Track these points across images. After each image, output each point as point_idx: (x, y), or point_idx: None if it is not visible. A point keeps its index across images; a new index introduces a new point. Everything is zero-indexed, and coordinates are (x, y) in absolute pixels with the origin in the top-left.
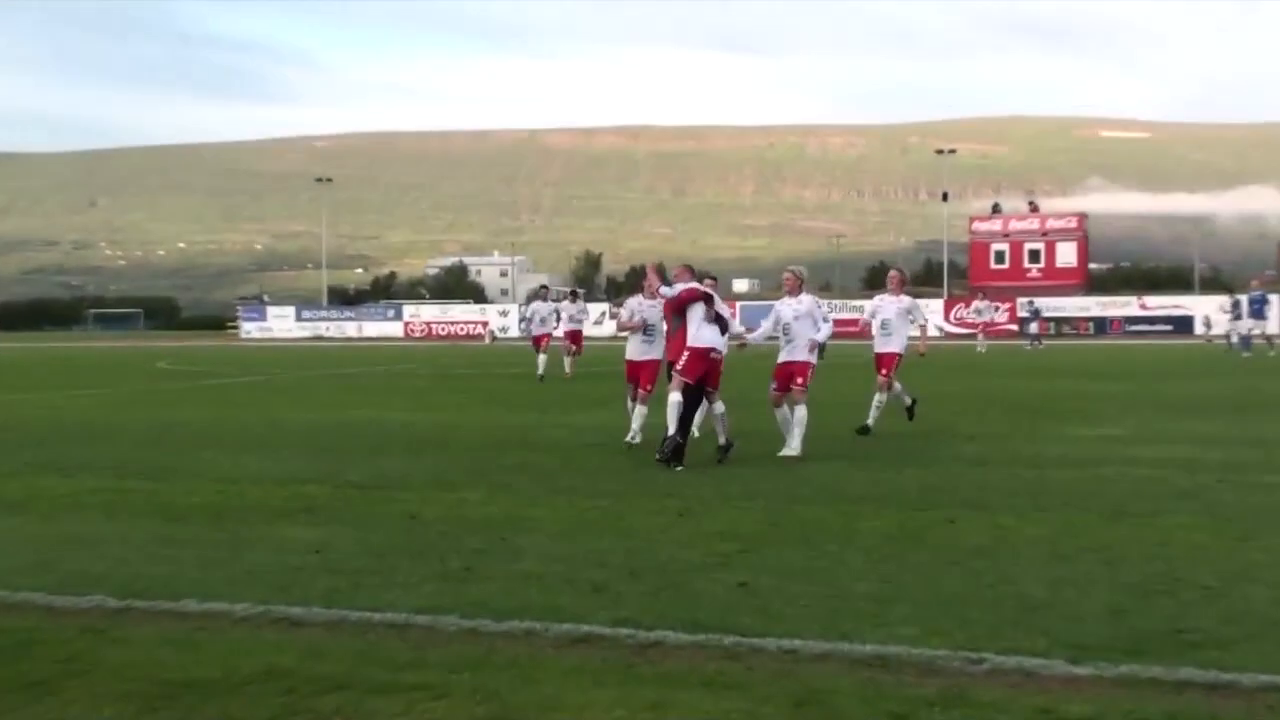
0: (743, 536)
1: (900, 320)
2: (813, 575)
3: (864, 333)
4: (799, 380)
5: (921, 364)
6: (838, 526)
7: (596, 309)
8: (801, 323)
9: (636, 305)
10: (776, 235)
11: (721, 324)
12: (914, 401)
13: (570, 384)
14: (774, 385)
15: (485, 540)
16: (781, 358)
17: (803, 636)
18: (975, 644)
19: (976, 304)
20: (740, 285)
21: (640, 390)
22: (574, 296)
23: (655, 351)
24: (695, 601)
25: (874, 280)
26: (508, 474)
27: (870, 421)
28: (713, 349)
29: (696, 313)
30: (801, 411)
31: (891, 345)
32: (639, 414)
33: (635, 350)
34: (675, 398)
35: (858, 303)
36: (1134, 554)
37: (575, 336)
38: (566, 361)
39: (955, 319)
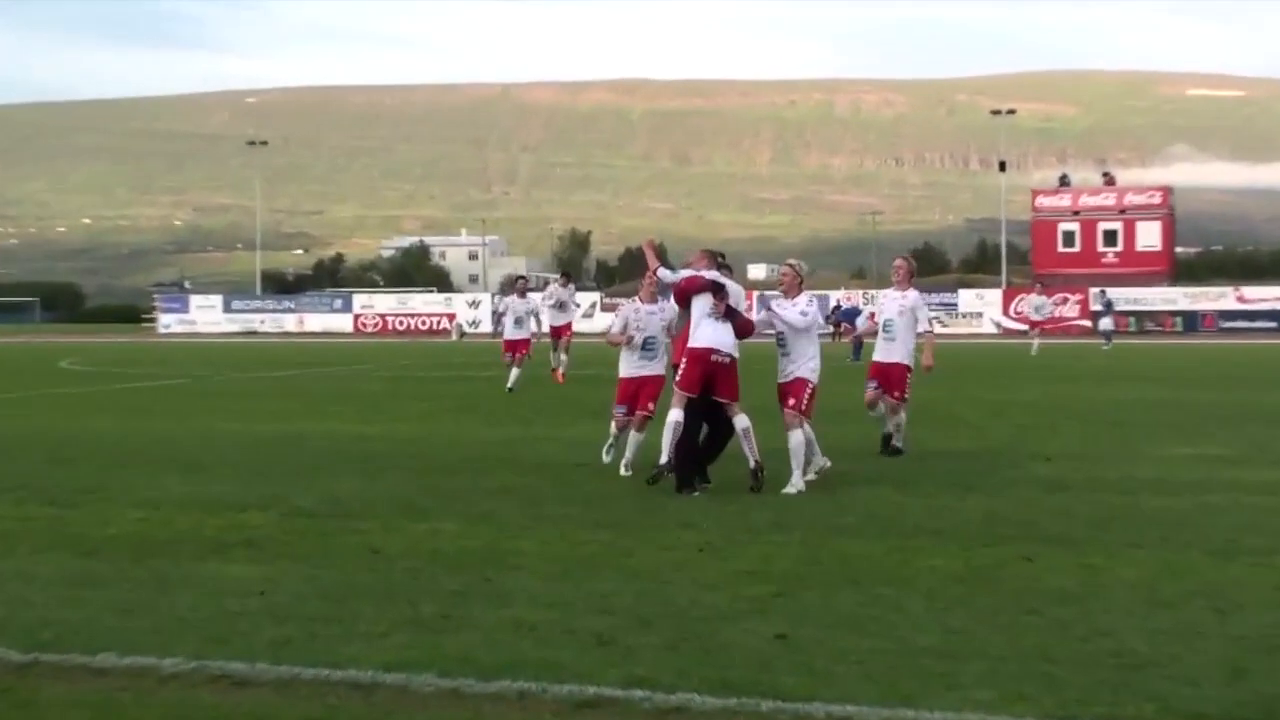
0: (777, 577)
1: (905, 321)
2: (864, 625)
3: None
4: (791, 401)
5: (977, 369)
6: (891, 565)
7: (586, 299)
8: (804, 331)
9: (632, 313)
10: (799, 211)
11: (736, 321)
12: (891, 435)
13: (559, 389)
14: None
15: (465, 580)
16: (780, 375)
17: (856, 701)
18: (1066, 710)
19: (1032, 298)
20: (756, 271)
21: (638, 411)
22: (565, 279)
23: (656, 366)
24: (724, 657)
25: (918, 267)
26: (488, 499)
27: (899, 443)
28: (713, 350)
29: (700, 306)
30: (796, 438)
31: (896, 354)
32: (633, 442)
33: (630, 365)
34: (674, 416)
35: None
36: (1251, 600)
37: (566, 330)
38: (553, 357)
39: (1016, 313)
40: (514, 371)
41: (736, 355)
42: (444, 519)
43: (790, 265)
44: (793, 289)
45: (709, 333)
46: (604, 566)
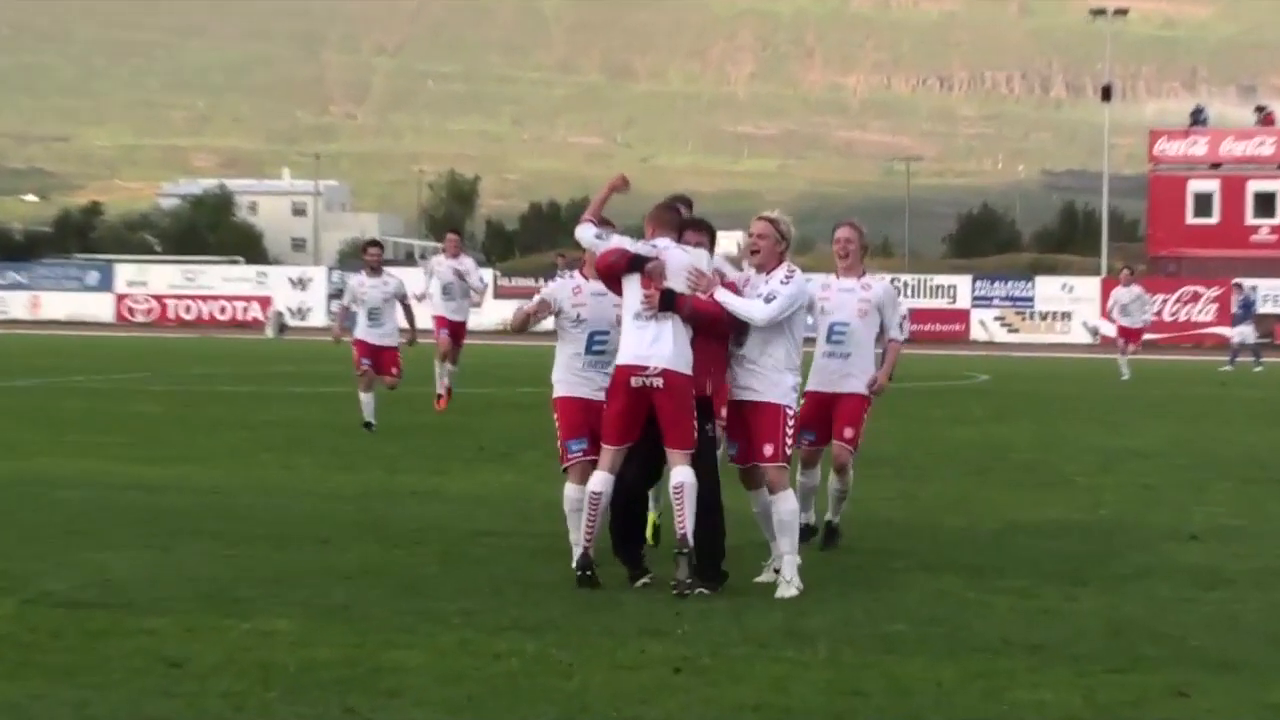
0: (799, 713)
1: (866, 327)
2: None
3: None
4: (767, 448)
5: (1073, 398)
6: (972, 699)
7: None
8: (774, 326)
9: (568, 294)
10: (794, 154)
11: (684, 312)
12: (830, 525)
13: (440, 417)
14: (730, 452)
15: (314, 712)
16: (734, 391)
17: None
18: None
19: (1121, 291)
20: (729, 241)
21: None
22: (455, 245)
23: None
24: None
25: (968, 240)
26: (342, 585)
27: (832, 516)
28: (632, 369)
29: (630, 295)
30: (786, 504)
31: (850, 379)
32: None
33: (572, 376)
34: (593, 484)
35: (944, 279)
36: None
37: (459, 328)
38: (438, 369)
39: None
40: (365, 399)
41: (686, 371)
42: (276, 614)
43: (767, 221)
44: (770, 259)
45: (631, 341)
46: (530, 694)
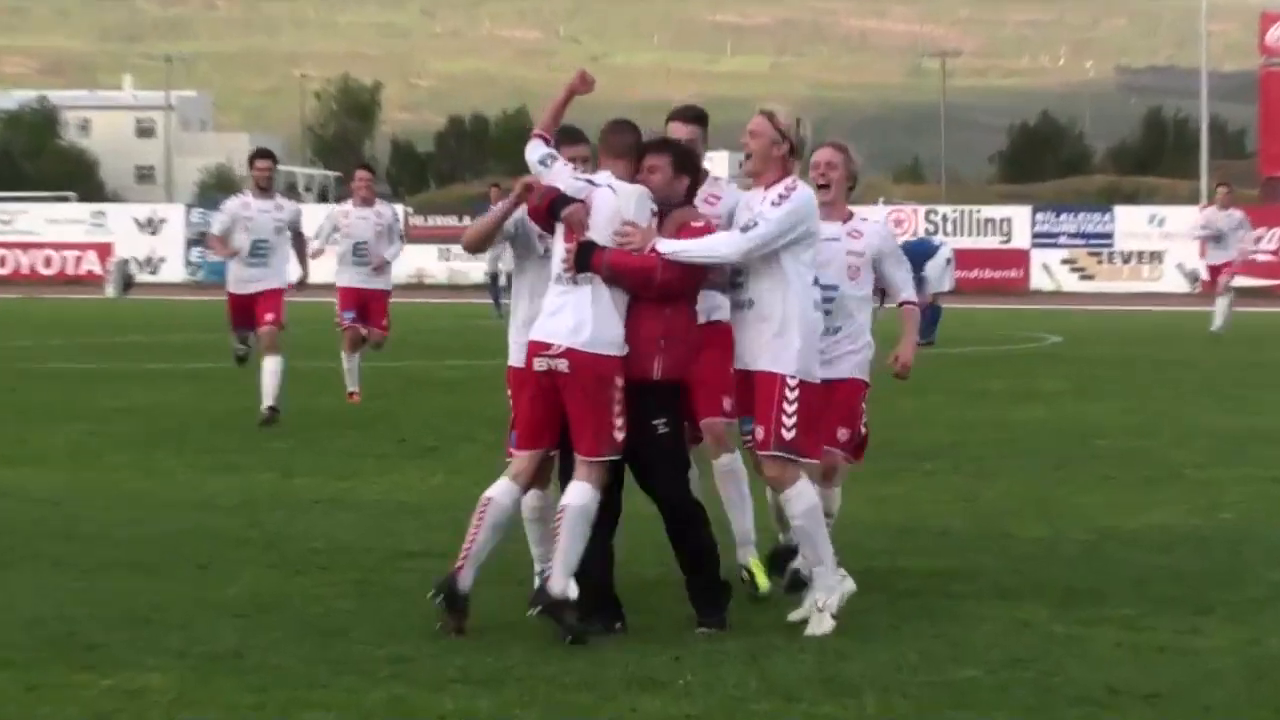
0: None
1: (861, 288)
2: None
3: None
4: (758, 431)
5: (1175, 365)
6: None
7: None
8: (763, 261)
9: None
10: (792, 49)
11: (610, 269)
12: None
13: (349, 407)
14: (745, 438)
15: None
16: (736, 357)
17: None
18: None
19: (1222, 217)
20: (714, 163)
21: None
22: (368, 187)
23: None
24: None
25: (1024, 160)
26: (232, 626)
27: (800, 565)
28: (537, 347)
29: (555, 250)
30: (797, 506)
31: (843, 362)
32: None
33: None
34: (493, 489)
35: (994, 211)
36: None
37: (376, 304)
38: (346, 361)
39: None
40: (236, 345)
41: (604, 351)
42: (145, 666)
43: (764, 116)
44: (766, 166)
45: (546, 312)
46: None
